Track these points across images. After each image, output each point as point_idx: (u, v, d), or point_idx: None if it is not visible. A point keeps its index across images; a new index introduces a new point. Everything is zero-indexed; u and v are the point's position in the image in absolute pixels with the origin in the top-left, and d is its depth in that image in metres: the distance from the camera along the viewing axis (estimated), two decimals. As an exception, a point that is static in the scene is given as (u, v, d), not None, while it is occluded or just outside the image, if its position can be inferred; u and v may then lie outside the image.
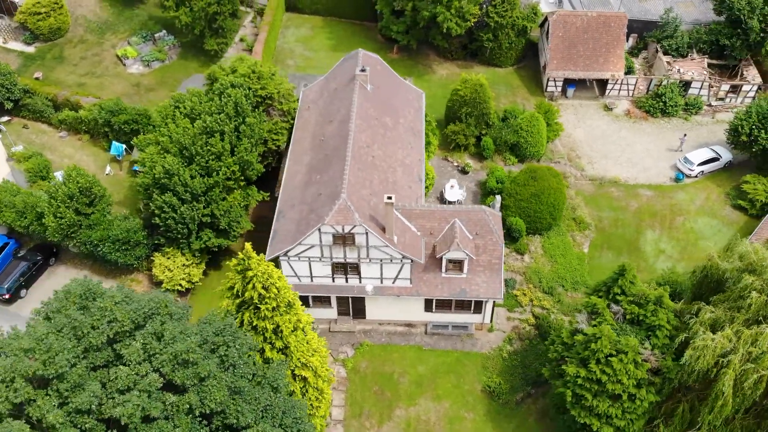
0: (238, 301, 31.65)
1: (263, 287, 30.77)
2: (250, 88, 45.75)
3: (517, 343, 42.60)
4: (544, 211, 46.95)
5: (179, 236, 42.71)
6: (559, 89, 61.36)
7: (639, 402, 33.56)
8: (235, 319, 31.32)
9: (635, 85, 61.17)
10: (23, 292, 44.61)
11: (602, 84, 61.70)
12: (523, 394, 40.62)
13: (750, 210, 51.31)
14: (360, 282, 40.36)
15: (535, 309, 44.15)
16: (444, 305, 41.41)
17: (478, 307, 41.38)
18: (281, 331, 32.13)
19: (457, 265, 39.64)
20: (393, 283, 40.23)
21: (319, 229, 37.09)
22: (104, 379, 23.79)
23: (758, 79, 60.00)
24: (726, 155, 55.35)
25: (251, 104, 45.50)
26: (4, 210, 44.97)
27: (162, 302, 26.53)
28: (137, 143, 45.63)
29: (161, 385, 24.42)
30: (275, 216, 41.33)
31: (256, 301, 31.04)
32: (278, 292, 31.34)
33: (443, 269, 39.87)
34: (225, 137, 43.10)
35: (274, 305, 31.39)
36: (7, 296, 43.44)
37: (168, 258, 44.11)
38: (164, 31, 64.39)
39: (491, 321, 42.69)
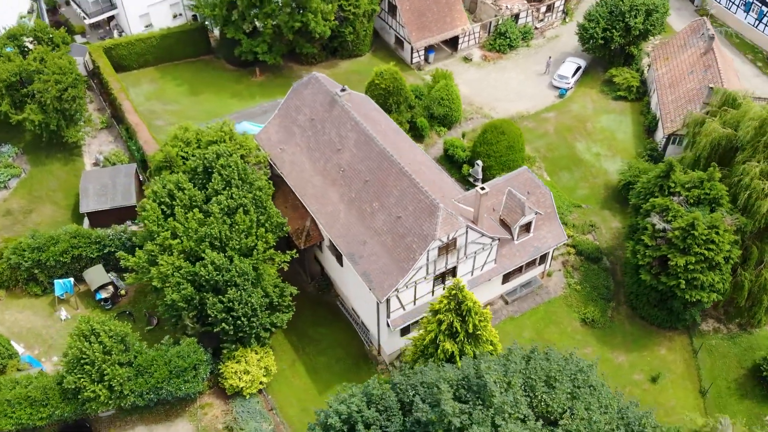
0: (460, 338, 30.25)
1: (478, 314, 30.02)
2: (231, 153, 41.21)
3: (575, 274, 46.47)
4: (518, 158, 50.78)
5: (252, 330, 37.90)
6: (423, 57, 64.77)
7: (731, 261, 39.86)
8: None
9: (478, 32, 67.15)
10: (90, 489, 35.91)
11: (451, 41, 66.45)
12: (610, 310, 44.89)
13: (629, 96, 61.09)
14: (455, 283, 40.31)
15: (564, 240, 48.26)
16: (516, 270, 43.32)
17: (543, 258, 44.12)
18: (494, 352, 31.69)
19: (526, 227, 41.75)
20: (482, 270, 40.94)
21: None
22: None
23: (564, -7, 70.19)
24: (581, 62, 64.43)
25: (238, 167, 41.16)
26: (15, 409, 35.11)
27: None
28: (135, 264, 38.44)
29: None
30: (350, 261, 38.84)
31: (476, 328, 30.14)
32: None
33: (515, 237, 41.66)
34: (249, 209, 38.79)
35: (486, 326, 30.80)
36: (81, 504, 34.68)
37: (238, 361, 38.88)
38: (-6, 143, 53.33)
39: (549, 266, 45.81)
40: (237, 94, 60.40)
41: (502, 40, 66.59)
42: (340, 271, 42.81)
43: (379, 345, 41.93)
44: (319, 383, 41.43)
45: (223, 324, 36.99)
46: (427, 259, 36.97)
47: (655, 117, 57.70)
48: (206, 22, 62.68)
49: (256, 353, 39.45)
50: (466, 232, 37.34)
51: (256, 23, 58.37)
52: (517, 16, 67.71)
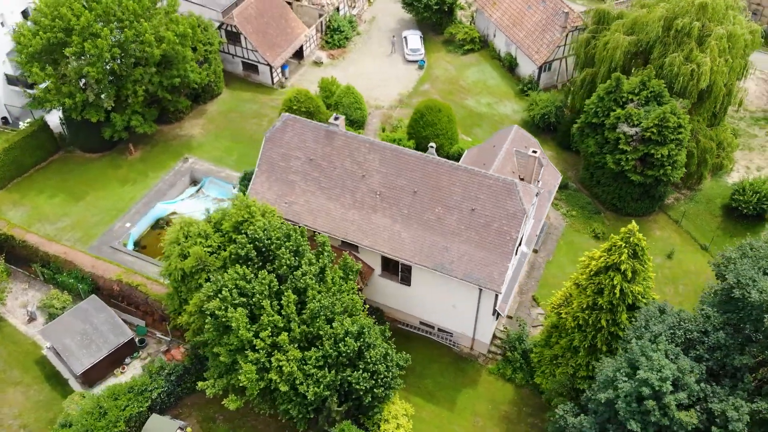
0: (640, 277, 32.52)
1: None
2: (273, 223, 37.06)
3: (561, 204, 51.02)
4: (455, 129, 53.35)
5: (395, 383, 35.77)
6: (282, 75, 62.85)
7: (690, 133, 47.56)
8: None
9: (314, 34, 66.85)
10: None
11: (296, 51, 65.22)
12: (604, 220, 50.40)
13: (475, 47, 66.78)
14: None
15: (533, 182, 52.37)
16: (536, 220, 46.43)
17: (545, 200, 47.77)
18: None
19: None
20: (529, 230, 43.21)
21: (519, 224, 37.53)
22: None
23: (365, -23, 72.74)
24: (418, 32, 68.23)
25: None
26: None
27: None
28: (248, 381, 33.03)
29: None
30: (442, 271, 38.13)
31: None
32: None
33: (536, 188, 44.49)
34: (332, 268, 35.93)
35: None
36: None
37: (387, 420, 36.44)
38: None
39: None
40: (125, 180, 52.75)
41: (339, 35, 67.31)
42: (403, 292, 41.69)
43: (473, 339, 42.12)
44: (445, 402, 40.51)
45: (373, 390, 34.27)
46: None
47: (511, 56, 64.03)
48: (44, 117, 53.23)
49: (393, 403, 37.23)
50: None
51: (119, 95, 51.00)
52: (338, 9, 68.70)
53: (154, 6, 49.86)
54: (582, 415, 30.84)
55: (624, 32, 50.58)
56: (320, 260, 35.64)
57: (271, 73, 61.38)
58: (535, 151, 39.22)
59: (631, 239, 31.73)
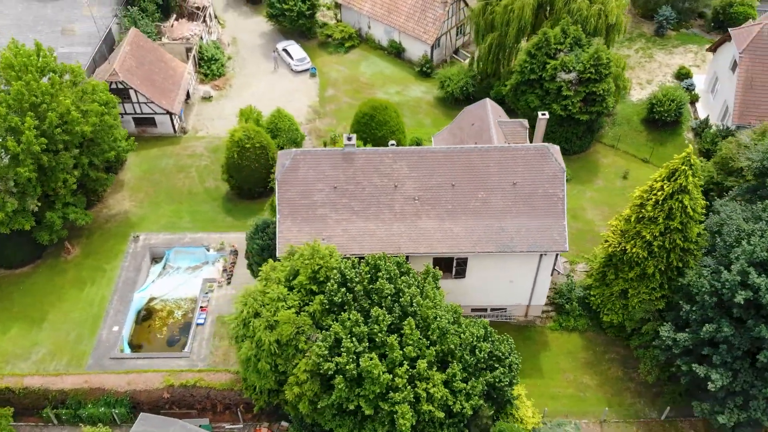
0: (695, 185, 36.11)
1: (698, 163, 36.46)
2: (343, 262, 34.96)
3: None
4: (402, 122, 53.60)
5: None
6: (180, 120, 57.95)
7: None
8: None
9: (191, 69, 62.25)
10: None
11: (180, 91, 60.40)
12: (561, 163, 54.26)
13: (355, 43, 66.97)
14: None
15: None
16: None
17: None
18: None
19: (519, 140, 47.01)
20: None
21: (557, 181, 39.47)
22: None
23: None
24: (292, 41, 66.60)
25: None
26: None
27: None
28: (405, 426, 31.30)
29: None
30: (507, 249, 38.75)
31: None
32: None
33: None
34: (426, 281, 35.06)
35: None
36: None
37: (518, 408, 36.80)
38: None
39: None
40: (81, 283, 45.75)
41: (215, 64, 63.57)
42: (457, 286, 41.48)
43: (528, 306, 43.53)
44: (532, 372, 41.37)
45: (512, 382, 34.51)
46: (559, 194, 40.02)
47: (396, 42, 65.12)
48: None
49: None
50: (549, 156, 41.21)
51: (43, 191, 43.87)
52: (201, 38, 64.63)
53: (61, 80, 43.18)
54: (707, 324, 33.69)
55: (521, -7, 54.09)
56: (413, 278, 34.51)
57: (172, 121, 56.29)
58: (544, 113, 41.08)
59: (690, 160, 35.05)
